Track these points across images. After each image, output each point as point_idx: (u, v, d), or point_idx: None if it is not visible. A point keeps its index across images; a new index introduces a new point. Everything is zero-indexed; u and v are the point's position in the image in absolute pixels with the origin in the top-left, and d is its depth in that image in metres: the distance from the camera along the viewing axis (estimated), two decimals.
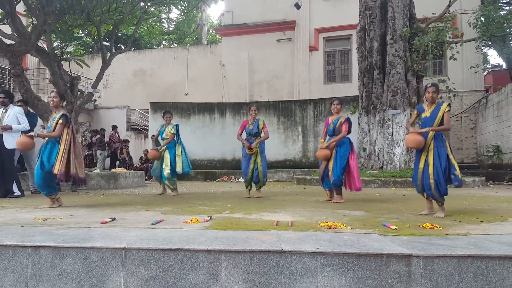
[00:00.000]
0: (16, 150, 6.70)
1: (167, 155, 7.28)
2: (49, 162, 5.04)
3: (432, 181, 4.34)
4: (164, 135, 7.43)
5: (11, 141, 6.56)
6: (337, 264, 2.50)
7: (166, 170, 7.21)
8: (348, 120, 6.00)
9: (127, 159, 15.35)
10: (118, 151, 15.29)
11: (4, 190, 6.69)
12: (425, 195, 4.55)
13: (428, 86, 4.59)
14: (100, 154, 14.40)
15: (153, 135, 7.44)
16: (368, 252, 2.50)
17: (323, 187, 6.26)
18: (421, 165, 4.45)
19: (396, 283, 2.47)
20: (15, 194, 6.75)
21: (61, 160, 4.99)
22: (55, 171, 4.96)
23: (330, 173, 5.93)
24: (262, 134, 6.82)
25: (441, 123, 4.45)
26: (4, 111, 6.75)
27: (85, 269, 2.65)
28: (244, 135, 6.87)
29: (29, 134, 5.25)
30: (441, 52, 12.32)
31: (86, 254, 2.65)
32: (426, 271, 2.47)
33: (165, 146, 7.31)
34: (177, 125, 7.56)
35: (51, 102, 5.27)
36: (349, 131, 5.96)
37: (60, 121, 5.11)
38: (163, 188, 7.59)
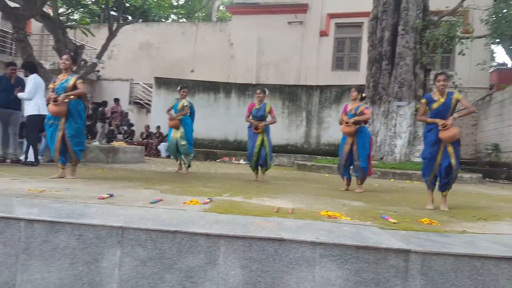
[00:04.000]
0: (37, 116, 6.74)
1: (182, 130, 7.20)
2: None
3: (454, 173, 4.37)
4: (178, 108, 7.30)
5: (27, 108, 6.85)
6: (335, 255, 2.49)
7: (183, 146, 7.16)
8: (368, 107, 6.10)
9: (115, 131, 15.08)
10: (120, 124, 15.25)
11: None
12: (429, 185, 4.59)
13: (438, 74, 4.53)
14: (102, 126, 14.37)
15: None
16: (367, 245, 2.50)
17: (342, 175, 6.18)
18: (439, 157, 4.42)
19: (392, 277, 2.47)
20: (28, 160, 6.92)
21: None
22: None
23: (357, 162, 5.84)
24: (269, 118, 6.79)
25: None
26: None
27: (80, 246, 2.59)
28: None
29: (54, 97, 5.05)
30: (451, 47, 12.16)
31: (82, 231, 2.59)
32: (423, 267, 2.46)
33: (180, 120, 7.20)
34: (191, 102, 7.49)
35: (63, 64, 5.25)
36: None
37: (80, 80, 5.21)
38: (180, 166, 7.49)
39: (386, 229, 2.99)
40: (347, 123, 5.85)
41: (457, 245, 2.62)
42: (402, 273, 2.47)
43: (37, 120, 6.74)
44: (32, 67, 7.22)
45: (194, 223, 2.73)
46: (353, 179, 6.09)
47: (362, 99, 6.15)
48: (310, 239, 2.53)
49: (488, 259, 2.47)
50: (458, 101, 4.42)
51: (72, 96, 5.13)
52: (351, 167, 6.03)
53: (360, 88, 6.22)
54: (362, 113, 5.88)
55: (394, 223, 3.28)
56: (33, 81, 6.81)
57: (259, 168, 6.88)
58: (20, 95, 6.81)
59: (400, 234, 2.85)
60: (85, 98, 5.49)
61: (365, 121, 6.08)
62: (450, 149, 4.38)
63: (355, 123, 5.81)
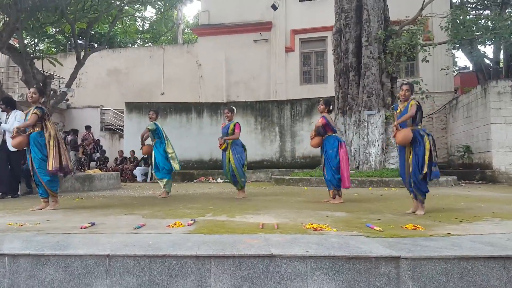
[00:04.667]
0: (23, 150, 6.63)
1: (153, 156, 7.20)
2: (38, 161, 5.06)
3: (412, 179, 4.48)
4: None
5: None
6: (327, 268, 2.49)
7: (155, 172, 7.20)
8: (322, 117, 6.04)
9: (82, 159, 14.63)
10: (93, 151, 14.85)
11: (12, 190, 7.05)
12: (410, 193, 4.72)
13: (402, 84, 4.78)
14: (75, 155, 13.95)
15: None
16: (358, 255, 2.51)
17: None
18: (406, 163, 4.60)
19: (385, 285, 2.48)
20: (17, 194, 7.13)
21: (53, 155, 5.01)
22: (49, 167, 4.98)
23: (324, 173, 6.00)
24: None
25: (413, 120, 4.60)
26: (7, 116, 6.92)
27: (67, 277, 2.54)
28: None
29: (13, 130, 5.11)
30: (414, 54, 12.62)
31: (68, 262, 2.54)
32: (414, 273, 2.49)
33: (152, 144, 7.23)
34: (155, 123, 7.19)
35: (30, 98, 5.18)
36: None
37: (35, 111, 5.07)
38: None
39: (373, 238, 3.01)
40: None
41: (445, 248, 2.65)
42: (394, 280, 2.48)
43: (22, 154, 6.77)
44: (13, 102, 7.27)
45: (181, 246, 2.68)
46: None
47: (329, 111, 6.22)
48: (300, 253, 2.52)
49: (477, 259, 2.51)
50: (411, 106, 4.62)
51: (31, 130, 5.11)
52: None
53: (327, 101, 6.24)
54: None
55: (380, 231, 3.31)
56: (22, 115, 6.76)
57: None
58: (4, 126, 6.77)
59: (388, 242, 2.87)
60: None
61: (330, 130, 6.05)
62: (410, 157, 4.56)
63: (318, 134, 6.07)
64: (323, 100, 6.33)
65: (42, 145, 5.11)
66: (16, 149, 6.68)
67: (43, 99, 5.57)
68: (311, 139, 6.15)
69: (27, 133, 5.09)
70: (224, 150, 6.72)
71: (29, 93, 5.23)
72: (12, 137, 5.04)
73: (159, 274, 2.50)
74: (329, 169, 5.88)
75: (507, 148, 11.27)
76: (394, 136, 4.69)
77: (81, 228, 3.47)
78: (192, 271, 2.49)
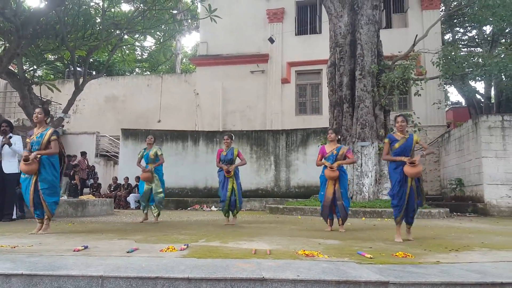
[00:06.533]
0: (17, 174, 6.71)
1: (157, 179, 7.39)
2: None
3: (416, 206, 4.65)
4: (150, 157, 7.43)
5: (9, 166, 6.94)
6: None
7: (160, 195, 7.37)
8: (350, 150, 6.26)
9: (79, 185, 14.54)
10: (86, 178, 14.81)
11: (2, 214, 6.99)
12: (400, 221, 4.82)
13: (397, 116, 4.93)
14: (65, 180, 13.89)
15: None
16: (347, 279, 2.56)
17: (327, 217, 6.05)
18: (408, 191, 4.70)
19: None
20: (13, 218, 7.11)
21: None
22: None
23: (340, 201, 5.89)
24: (237, 161, 6.93)
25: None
26: (3, 138, 6.96)
27: None
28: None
29: (26, 155, 4.94)
30: (406, 88, 12.93)
31: (61, 283, 2.56)
32: None
33: (153, 170, 7.34)
34: (160, 148, 7.69)
35: (35, 118, 5.17)
36: None
37: (53, 137, 5.10)
38: (146, 215, 7.54)
39: (363, 264, 3.06)
40: (331, 168, 5.81)
41: (433, 274, 2.72)
42: None
43: (17, 178, 6.73)
44: (12, 125, 7.43)
45: (174, 269, 2.71)
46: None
47: (338, 141, 6.37)
48: (291, 277, 2.56)
49: (464, 286, 2.57)
50: (417, 142, 4.87)
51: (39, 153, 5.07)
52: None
53: (336, 130, 6.42)
54: (345, 157, 6.03)
55: (371, 258, 3.36)
56: (20, 139, 7.00)
57: (230, 212, 7.02)
58: (14, 147, 6.88)
59: (378, 268, 2.92)
60: (62, 154, 5.44)
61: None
62: (414, 184, 4.70)
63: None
64: (333, 128, 6.43)
65: (56, 165, 5.15)
66: (10, 172, 6.74)
67: (48, 119, 5.53)
68: (330, 169, 5.82)
69: (38, 159, 4.98)
70: (228, 177, 6.81)
71: (35, 113, 5.21)
72: (26, 163, 4.87)
73: None
74: (346, 197, 5.95)
75: (498, 181, 11.36)
76: (413, 166, 4.59)
77: (74, 251, 3.48)
78: None
